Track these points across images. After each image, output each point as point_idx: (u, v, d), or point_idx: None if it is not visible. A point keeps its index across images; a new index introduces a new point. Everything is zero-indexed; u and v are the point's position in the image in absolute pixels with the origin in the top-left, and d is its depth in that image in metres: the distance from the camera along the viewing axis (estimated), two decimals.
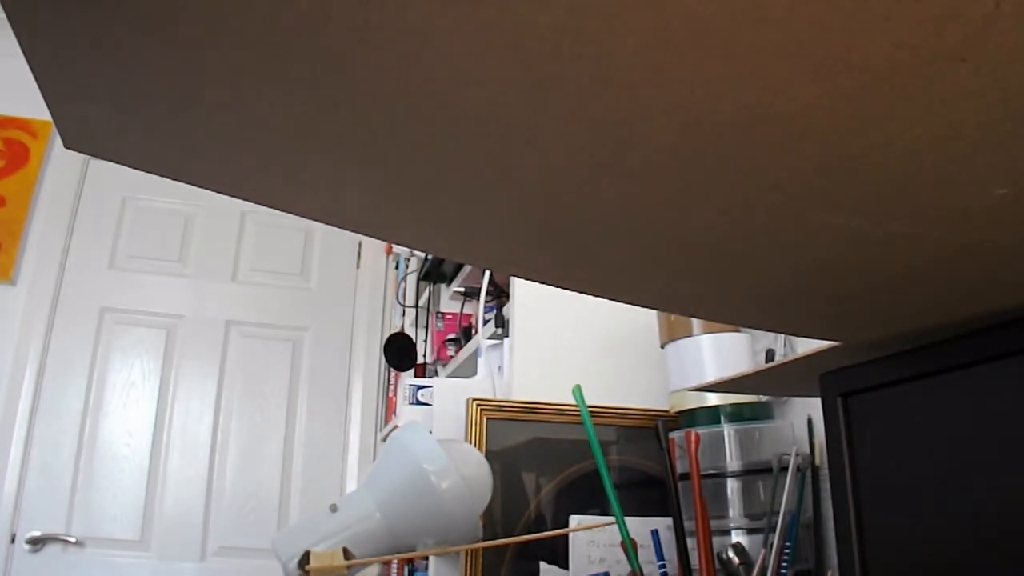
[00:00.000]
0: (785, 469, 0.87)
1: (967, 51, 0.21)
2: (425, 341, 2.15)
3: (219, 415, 2.32)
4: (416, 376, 2.08)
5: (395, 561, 1.44)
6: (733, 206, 0.32)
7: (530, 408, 1.10)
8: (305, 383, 2.42)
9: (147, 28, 0.23)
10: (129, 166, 0.32)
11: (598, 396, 1.06)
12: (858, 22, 0.21)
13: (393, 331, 2.27)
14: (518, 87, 0.25)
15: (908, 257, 0.36)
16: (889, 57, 0.22)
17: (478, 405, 1.08)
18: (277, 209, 0.35)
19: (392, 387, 2.36)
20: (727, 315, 0.51)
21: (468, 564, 1.00)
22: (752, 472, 0.92)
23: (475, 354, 1.47)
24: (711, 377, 0.98)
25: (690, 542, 0.84)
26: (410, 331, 2.23)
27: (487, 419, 1.08)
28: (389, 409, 2.37)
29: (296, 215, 0.36)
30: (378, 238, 0.44)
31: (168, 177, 0.32)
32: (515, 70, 0.24)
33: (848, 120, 0.25)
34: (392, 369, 2.31)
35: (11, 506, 2.10)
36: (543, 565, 1.00)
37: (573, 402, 0.88)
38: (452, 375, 1.75)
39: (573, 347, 1.23)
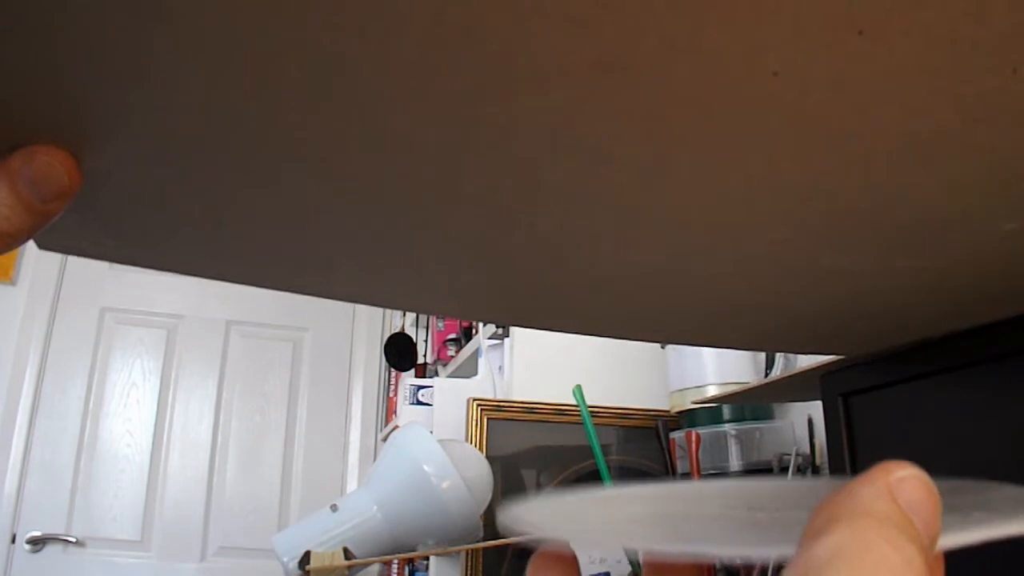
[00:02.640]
0: (785, 469, 0.87)
1: (983, 114, 0.22)
2: (425, 341, 2.15)
3: (219, 415, 2.32)
4: (416, 376, 2.08)
5: (395, 561, 1.44)
6: (737, 258, 0.32)
7: (530, 408, 1.10)
8: (305, 383, 2.42)
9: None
10: (106, 261, 0.31)
11: (598, 396, 1.06)
12: (870, 96, 0.21)
13: (393, 331, 2.27)
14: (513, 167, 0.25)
15: (915, 286, 0.36)
16: (902, 127, 0.22)
17: (478, 405, 1.08)
18: (265, 288, 0.35)
19: (392, 387, 2.36)
20: (727, 344, 0.52)
21: (468, 564, 1.00)
22: (752, 472, 0.92)
23: (475, 354, 1.47)
24: (711, 377, 0.99)
25: None
26: (410, 331, 2.23)
27: (487, 419, 1.08)
28: (389, 409, 2.37)
29: (287, 292, 0.35)
30: (375, 306, 0.44)
31: (147, 268, 0.32)
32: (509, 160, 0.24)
33: (858, 179, 0.25)
34: (392, 369, 2.31)
35: (11, 506, 2.10)
36: None
37: (573, 402, 0.88)
38: (452, 375, 1.75)
39: (573, 347, 1.23)
